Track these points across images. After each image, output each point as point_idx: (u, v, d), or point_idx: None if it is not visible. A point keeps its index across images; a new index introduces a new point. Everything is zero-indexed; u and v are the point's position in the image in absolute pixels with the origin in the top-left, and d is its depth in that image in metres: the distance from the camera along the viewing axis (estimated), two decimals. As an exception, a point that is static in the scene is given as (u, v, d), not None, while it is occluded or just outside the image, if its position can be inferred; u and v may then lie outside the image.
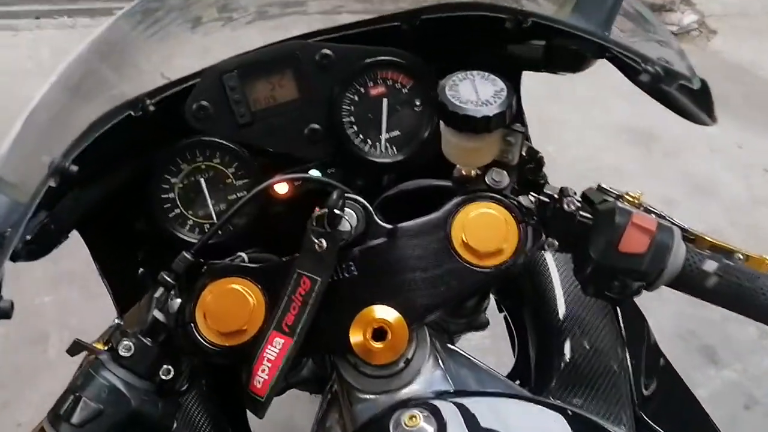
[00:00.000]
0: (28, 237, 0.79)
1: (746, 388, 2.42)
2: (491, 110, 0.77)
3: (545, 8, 0.91)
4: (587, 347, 1.05)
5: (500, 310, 1.28)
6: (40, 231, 0.81)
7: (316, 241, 0.78)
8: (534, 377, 1.07)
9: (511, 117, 0.79)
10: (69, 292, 2.64)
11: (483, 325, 1.18)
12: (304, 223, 1.14)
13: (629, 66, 0.79)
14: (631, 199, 0.94)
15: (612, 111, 3.69)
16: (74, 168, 0.83)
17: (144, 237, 1.08)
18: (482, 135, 0.78)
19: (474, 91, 0.79)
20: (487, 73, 0.81)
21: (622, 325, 1.06)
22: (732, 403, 2.37)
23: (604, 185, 0.97)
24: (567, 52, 0.88)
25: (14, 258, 0.78)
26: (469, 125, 0.77)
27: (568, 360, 1.03)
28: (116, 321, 0.97)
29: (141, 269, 1.15)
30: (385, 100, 1.05)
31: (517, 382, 1.06)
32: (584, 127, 3.64)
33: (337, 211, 0.78)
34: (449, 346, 0.89)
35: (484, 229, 0.81)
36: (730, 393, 2.40)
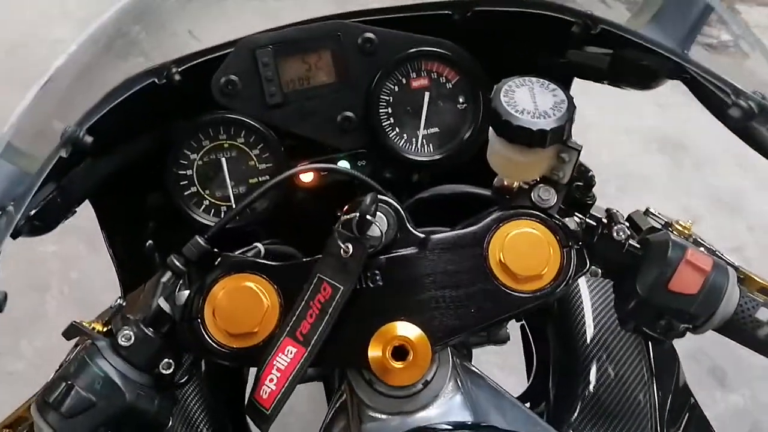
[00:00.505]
0: (33, 211, 0.73)
1: (752, 415, 2.35)
2: (549, 123, 0.70)
3: (618, 14, 0.83)
4: (612, 375, 0.99)
5: (518, 320, 1.22)
6: (45, 205, 0.74)
7: (342, 245, 0.72)
8: (553, 401, 1.01)
9: (569, 132, 0.72)
10: (75, 245, 2.58)
11: (504, 340, 1.12)
12: (328, 215, 1.09)
13: (712, 95, 0.71)
14: (681, 228, 0.87)
15: (643, 115, 3.58)
16: (88, 139, 0.76)
17: (156, 213, 1.02)
18: (535, 149, 0.71)
19: (532, 99, 0.72)
20: (547, 82, 0.73)
21: (652, 356, 1.00)
22: (735, 429, 2.31)
23: (652, 210, 0.91)
24: (637, 66, 0.80)
25: (15, 234, 0.72)
26: (523, 137, 0.70)
27: (592, 388, 0.97)
28: (119, 301, 0.91)
29: (149, 241, 1.09)
30: (427, 94, 0.98)
31: (540, 410, 1.00)
32: (613, 131, 3.53)
33: (369, 217, 0.72)
34: (471, 368, 0.83)
35: (524, 250, 0.74)
36: (735, 418, 2.34)
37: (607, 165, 3.22)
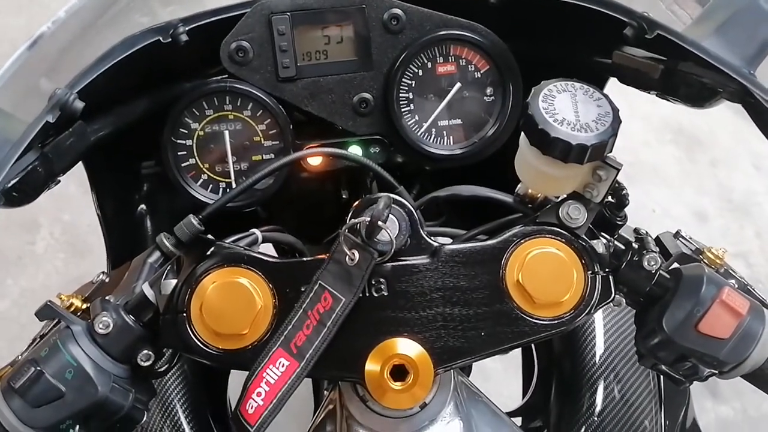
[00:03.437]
0: (10, 183, 0.65)
1: (740, 428, 2.33)
2: (589, 138, 0.63)
3: (679, 19, 0.74)
4: (618, 397, 0.94)
5: None
6: (25, 175, 0.67)
7: (347, 252, 0.65)
8: (555, 419, 0.96)
9: (611, 149, 0.65)
10: (67, 186, 2.51)
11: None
12: (332, 200, 1.02)
13: None
14: (712, 257, 0.81)
15: (660, 103, 3.48)
16: (79, 104, 0.69)
17: (150, 181, 0.95)
18: (571, 164, 0.64)
19: (573, 108, 0.65)
20: (592, 89, 0.66)
21: (662, 383, 0.95)
22: (722, 442, 2.29)
23: (683, 233, 0.84)
24: (694, 82, 0.72)
25: None
26: (559, 151, 0.63)
27: (598, 410, 0.92)
28: (101, 276, 0.85)
29: (141, 206, 1.03)
30: (453, 81, 0.90)
31: (538, 425, 0.96)
32: (628, 117, 3.44)
33: (380, 224, 0.65)
34: (474, 390, 0.77)
35: (545, 272, 0.68)
36: (723, 429, 2.31)
37: (617, 149, 3.15)
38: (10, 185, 0.65)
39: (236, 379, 1.05)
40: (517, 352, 1.21)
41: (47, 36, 0.67)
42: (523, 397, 1.10)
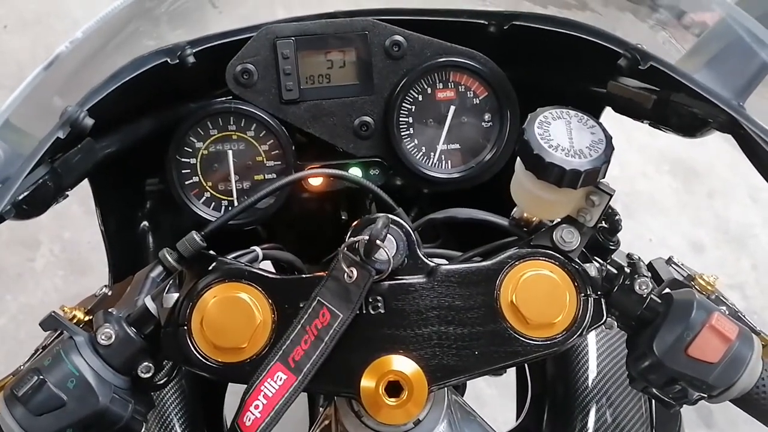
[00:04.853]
0: (22, 195, 0.67)
1: (733, 458, 2.32)
2: (583, 164, 0.65)
3: (671, 51, 0.77)
4: (610, 420, 0.95)
5: None
6: (35, 189, 0.69)
7: (346, 270, 0.67)
8: None
9: (604, 175, 0.67)
10: (70, 204, 2.53)
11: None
12: (332, 220, 1.04)
13: (765, 155, 0.65)
14: (704, 283, 0.83)
15: (657, 134, 3.51)
16: (89, 121, 0.71)
17: (153, 198, 0.97)
18: (565, 189, 0.66)
19: (568, 135, 0.66)
20: (586, 117, 0.68)
21: (654, 407, 0.96)
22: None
23: (675, 259, 0.86)
24: (685, 113, 0.74)
25: None
26: (553, 176, 0.65)
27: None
28: (104, 289, 0.86)
29: (144, 222, 1.04)
30: (452, 107, 0.93)
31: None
32: (625, 148, 3.47)
33: (378, 242, 0.66)
34: (467, 410, 0.78)
35: (539, 293, 0.69)
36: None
37: (614, 179, 3.17)
38: (20, 198, 0.67)
39: (232, 399, 1.06)
40: (512, 377, 1.22)
41: (63, 56, 0.69)
42: (517, 420, 1.11)
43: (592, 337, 1.01)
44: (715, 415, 2.38)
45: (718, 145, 3.34)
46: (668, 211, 3.21)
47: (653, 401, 0.96)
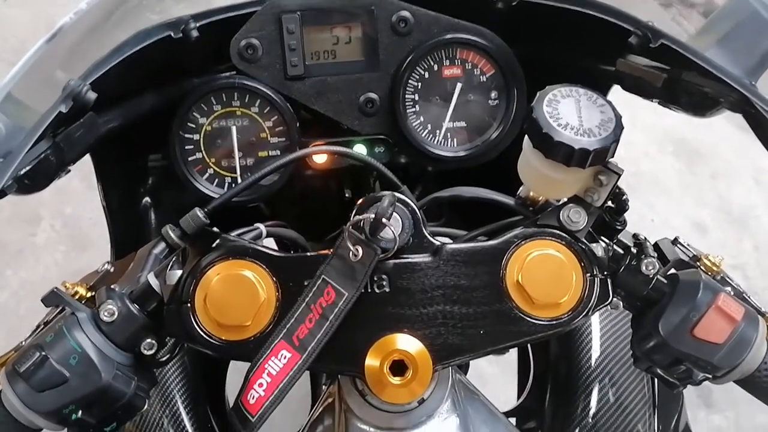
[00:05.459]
0: (24, 170, 0.67)
1: (733, 438, 2.34)
2: (592, 143, 0.64)
3: (683, 29, 0.75)
4: (612, 400, 0.95)
5: None
6: (38, 163, 0.68)
7: (351, 248, 0.66)
8: (549, 421, 0.97)
9: (613, 154, 0.66)
10: (71, 180, 2.52)
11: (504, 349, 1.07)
12: (336, 197, 1.03)
13: None
14: (709, 264, 0.82)
15: (663, 114, 3.49)
16: (92, 95, 0.70)
17: (155, 174, 0.96)
18: (573, 168, 0.65)
19: (577, 114, 0.66)
20: (596, 95, 0.67)
21: (656, 387, 0.96)
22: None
23: (681, 240, 0.85)
24: (696, 91, 0.73)
25: (1, 194, 0.66)
26: (561, 155, 0.64)
27: (591, 411, 0.93)
28: (106, 266, 0.86)
29: (146, 198, 1.04)
30: (458, 84, 0.92)
31: (532, 425, 0.97)
32: (630, 127, 3.45)
33: (384, 221, 0.66)
34: (471, 388, 0.78)
35: (545, 273, 0.69)
36: (715, 439, 2.33)
37: (618, 158, 3.16)
38: (23, 173, 0.66)
39: (234, 378, 1.06)
40: (513, 356, 1.23)
41: (66, 28, 0.68)
42: (518, 398, 1.11)
43: (595, 317, 1.01)
44: (714, 395, 2.39)
45: (723, 127, 3.33)
46: (671, 191, 3.21)
47: (656, 381, 0.96)
